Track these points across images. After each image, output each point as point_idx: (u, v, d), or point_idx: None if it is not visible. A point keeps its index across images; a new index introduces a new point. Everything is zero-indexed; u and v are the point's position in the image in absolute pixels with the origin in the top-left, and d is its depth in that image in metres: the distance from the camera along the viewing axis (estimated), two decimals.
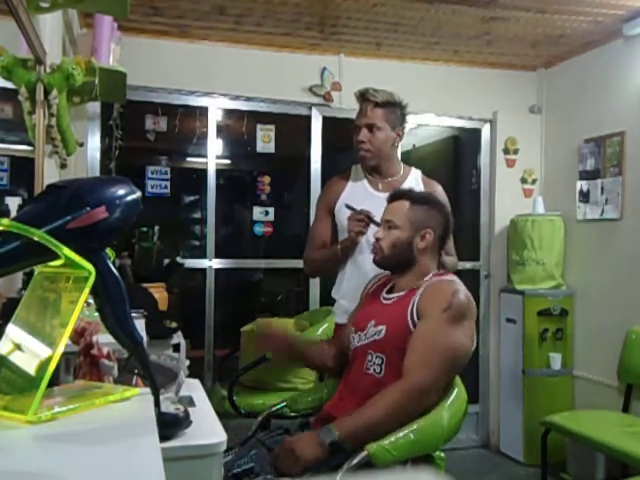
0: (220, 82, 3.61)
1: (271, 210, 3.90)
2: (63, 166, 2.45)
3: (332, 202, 2.35)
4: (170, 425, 1.13)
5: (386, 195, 2.08)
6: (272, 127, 3.80)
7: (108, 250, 0.96)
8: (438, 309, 1.73)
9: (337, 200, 2.33)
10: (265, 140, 3.79)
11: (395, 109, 2.29)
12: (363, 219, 2.12)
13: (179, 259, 3.15)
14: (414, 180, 2.36)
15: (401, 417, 1.65)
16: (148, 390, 1.01)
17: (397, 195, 1.96)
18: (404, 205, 1.90)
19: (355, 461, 1.58)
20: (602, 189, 3.59)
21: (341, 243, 2.26)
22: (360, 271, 2.23)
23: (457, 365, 1.76)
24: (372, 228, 2.10)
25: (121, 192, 0.95)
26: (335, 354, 2.02)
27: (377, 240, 1.91)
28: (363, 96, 2.28)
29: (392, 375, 1.74)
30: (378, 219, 2.02)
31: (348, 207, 2.19)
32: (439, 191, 2.39)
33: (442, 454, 1.88)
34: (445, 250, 2.18)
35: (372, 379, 1.79)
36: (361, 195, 2.30)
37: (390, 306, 1.87)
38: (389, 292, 1.95)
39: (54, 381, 0.98)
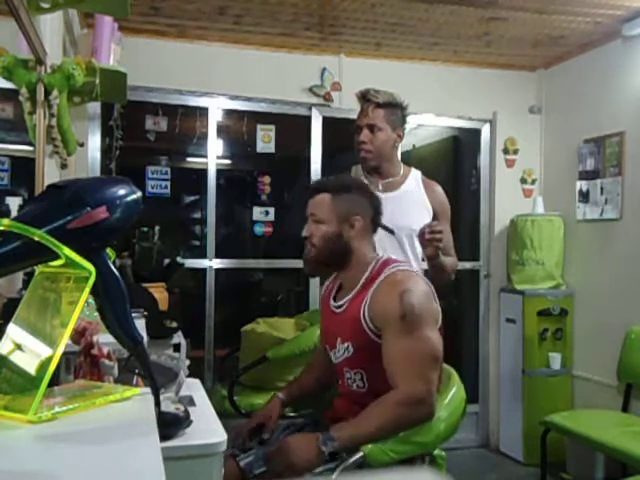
0: (220, 82, 3.61)
1: (271, 210, 3.90)
2: (63, 166, 2.45)
3: None
4: (170, 425, 1.13)
5: (387, 195, 2.06)
6: (272, 127, 3.80)
7: (108, 250, 0.96)
8: (395, 319, 1.66)
9: None
10: (265, 140, 3.80)
11: (396, 110, 2.29)
12: None
13: (179, 259, 3.14)
14: (414, 181, 2.36)
15: (400, 428, 1.65)
16: (148, 390, 1.01)
17: (316, 188, 1.88)
18: (325, 198, 1.82)
19: (350, 461, 1.58)
20: (602, 189, 3.60)
21: None
22: None
23: (438, 364, 1.72)
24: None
25: (121, 192, 0.95)
26: (317, 374, 2.03)
27: (306, 238, 1.84)
28: (364, 97, 2.28)
29: (377, 385, 1.73)
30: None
31: None
32: (439, 191, 2.39)
33: (443, 453, 1.88)
34: (444, 250, 2.18)
35: (358, 394, 1.79)
36: None
37: (344, 316, 1.82)
38: (336, 297, 1.90)
39: (54, 381, 0.98)
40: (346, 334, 1.78)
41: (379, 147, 2.27)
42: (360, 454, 1.59)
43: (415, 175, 2.39)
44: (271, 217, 3.89)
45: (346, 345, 1.78)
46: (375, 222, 1.87)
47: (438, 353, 1.71)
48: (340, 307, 1.85)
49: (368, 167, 2.33)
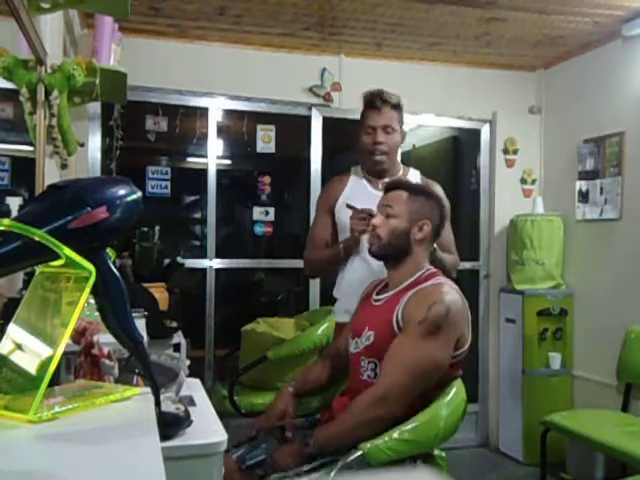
0: (220, 82, 3.61)
1: (271, 210, 3.91)
2: (64, 166, 2.45)
3: (332, 202, 2.35)
4: (171, 424, 1.13)
5: None
6: (272, 127, 3.81)
7: (109, 250, 0.96)
8: (414, 321, 1.71)
9: (337, 200, 2.34)
10: (265, 140, 3.80)
11: (402, 112, 2.32)
12: (365, 217, 2.11)
13: (179, 259, 3.14)
14: (413, 179, 2.36)
15: (364, 427, 1.66)
16: (148, 390, 1.01)
17: (394, 184, 1.96)
18: (402, 195, 1.89)
19: (349, 459, 1.58)
20: (601, 189, 3.60)
21: (343, 242, 2.27)
22: (361, 269, 2.24)
23: (424, 379, 1.72)
24: None
25: (122, 192, 0.95)
26: (331, 364, 2.02)
27: (374, 228, 1.90)
28: (380, 97, 2.25)
29: None
30: None
31: (349, 207, 2.19)
32: (438, 190, 2.40)
33: (443, 454, 1.87)
34: (446, 248, 2.19)
35: (367, 384, 1.79)
36: (361, 195, 2.30)
37: (378, 308, 1.87)
38: (380, 292, 1.94)
39: (55, 381, 0.98)
40: (373, 323, 1.83)
41: (393, 148, 2.29)
42: (359, 452, 1.59)
43: (414, 174, 2.40)
44: (271, 217, 3.90)
45: (369, 334, 1.82)
46: (437, 233, 1.93)
47: (426, 371, 1.71)
48: (379, 301, 1.90)
49: (380, 168, 2.31)
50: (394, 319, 1.76)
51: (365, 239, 2.19)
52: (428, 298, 1.75)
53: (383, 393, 1.67)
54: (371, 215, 2.10)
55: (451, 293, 1.77)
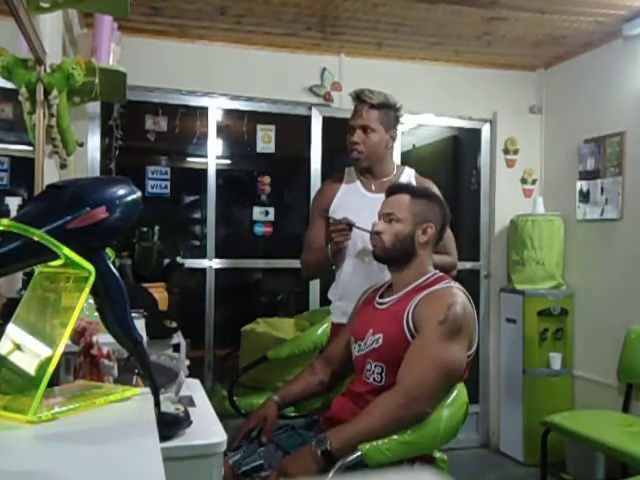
0: (220, 82, 3.61)
1: (271, 210, 3.91)
2: (63, 166, 2.45)
3: (326, 205, 2.35)
4: (170, 425, 1.13)
5: (380, 196, 2.07)
6: (272, 127, 3.80)
7: (108, 250, 0.96)
8: (434, 321, 1.70)
9: (331, 202, 2.33)
10: (265, 140, 3.80)
11: (389, 111, 2.29)
12: (344, 228, 2.13)
13: (179, 259, 3.14)
14: (407, 179, 2.36)
15: (394, 426, 1.65)
16: (148, 390, 1.01)
17: (396, 188, 1.95)
18: (405, 198, 1.89)
19: (348, 460, 1.58)
20: (602, 189, 3.59)
21: (330, 249, 2.26)
22: (358, 272, 2.24)
23: (450, 379, 1.73)
24: (357, 232, 2.14)
25: (121, 192, 0.95)
26: (324, 371, 2.01)
27: (377, 233, 1.90)
28: (359, 97, 2.28)
29: (392, 383, 1.73)
30: (374, 219, 2.03)
31: (331, 219, 2.21)
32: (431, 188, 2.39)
33: (445, 457, 1.86)
34: (444, 249, 2.18)
35: (372, 387, 1.79)
36: (355, 196, 2.30)
37: (385, 312, 1.86)
38: (383, 295, 1.93)
39: (54, 381, 0.98)
40: (381, 326, 1.81)
41: (372, 148, 2.27)
42: (358, 453, 1.59)
43: (408, 173, 2.39)
44: (271, 217, 3.90)
45: (377, 337, 1.80)
46: (440, 235, 1.92)
47: (453, 371, 1.72)
48: (383, 304, 1.89)
49: (360, 168, 2.33)
50: (404, 321, 1.75)
51: (358, 243, 2.20)
52: (443, 300, 1.75)
53: (416, 392, 1.66)
54: (350, 225, 2.11)
55: (462, 296, 1.78)
